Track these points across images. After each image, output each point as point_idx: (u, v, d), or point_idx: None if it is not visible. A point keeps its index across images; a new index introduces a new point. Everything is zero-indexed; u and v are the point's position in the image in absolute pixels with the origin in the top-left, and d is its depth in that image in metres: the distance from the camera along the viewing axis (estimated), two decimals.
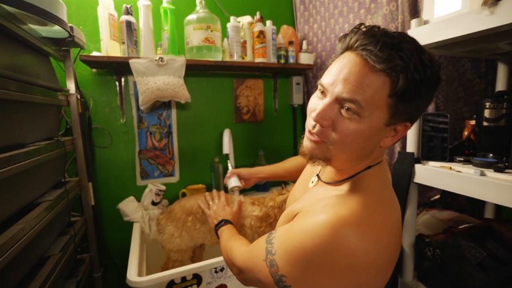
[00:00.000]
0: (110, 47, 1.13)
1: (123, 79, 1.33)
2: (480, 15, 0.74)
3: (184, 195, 1.47)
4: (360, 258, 0.46)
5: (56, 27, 0.81)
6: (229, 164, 1.27)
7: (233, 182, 1.11)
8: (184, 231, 1.11)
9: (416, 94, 0.46)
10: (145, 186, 1.36)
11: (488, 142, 0.98)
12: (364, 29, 0.49)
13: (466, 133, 1.06)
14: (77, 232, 1.04)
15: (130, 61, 1.13)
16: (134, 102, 1.37)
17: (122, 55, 1.17)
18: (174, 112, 1.46)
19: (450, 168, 0.88)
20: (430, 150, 0.97)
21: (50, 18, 0.73)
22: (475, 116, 1.05)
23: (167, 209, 1.18)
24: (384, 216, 0.50)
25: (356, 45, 0.48)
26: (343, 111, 0.48)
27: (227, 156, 1.33)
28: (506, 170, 0.78)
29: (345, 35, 0.52)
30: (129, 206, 1.31)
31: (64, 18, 0.83)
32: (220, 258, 0.97)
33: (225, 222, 0.89)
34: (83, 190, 1.15)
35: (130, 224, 1.27)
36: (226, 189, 1.58)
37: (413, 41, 0.47)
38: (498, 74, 1.20)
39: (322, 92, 0.51)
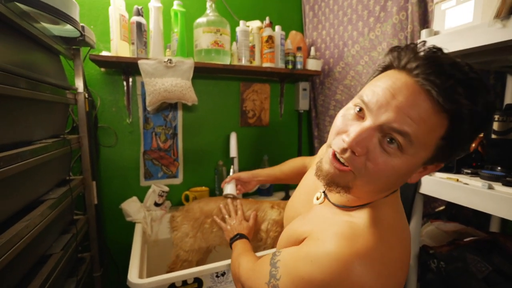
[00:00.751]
0: (119, 47, 1.14)
1: (130, 79, 1.34)
2: (492, 28, 0.73)
3: (187, 197, 1.47)
4: None
5: (68, 26, 0.81)
6: (231, 168, 1.26)
7: (228, 189, 1.12)
8: (199, 232, 1.10)
9: (469, 139, 0.42)
10: (149, 187, 1.36)
11: (496, 155, 0.97)
12: (423, 51, 0.42)
13: (473, 145, 1.05)
14: (79, 231, 1.04)
15: (139, 61, 1.14)
16: (141, 103, 1.38)
17: (131, 55, 1.18)
18: (180, 113, 1.46)
19: (457, 180, 0.87)
20: None
21: (63, 17, 0.74)
22: None
23: (184, 207, 1.16)
24: (398, 252, 0.47)
25: (417, 72, 0.40)
26: (384, 142, 0.41)
27: (232, 159, 1.33)
28: None
29: (399, 49, 0.45)
30: (131, 206, 1.31)
31: (77, 17, 0.84)
32: (222, 263, 0.96)
33: (240, 236, 0.88)
34: (86, 189, 1.15)
35: (132, 225, 1.27)
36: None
37: (480, 77, 0.40)
38: (507, 87, 1.19)
39: (360, 110, 0.44)
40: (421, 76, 0.39)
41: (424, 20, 1.14)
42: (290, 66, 1.48)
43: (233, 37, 1.39)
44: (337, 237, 0.45)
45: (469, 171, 0.91)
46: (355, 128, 0.42)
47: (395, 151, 0.41)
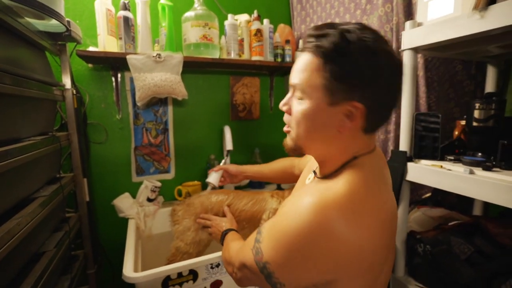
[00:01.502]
0: (107, 42, 1.12)
1: (119, 75, 1.33)
2: (471, 18, 0.76)
3: (179, 192, 1.47)
4: (343, 244, 0.46)
5: (54, 21, 0.80)
6: (222, 160, 1.28)
7: (211, 178, 1.16)
8: (200, 226, 1.10)
9: (345, 65, 0.47)
10: (141, 183, 1.36)
11: (477, 141, 1.01)
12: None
13: (456, 132, 1.09)
14: (71, 228, 1.03)
15: (128, 57, 1.12)
16: (130, 98, 1.37)
17: (119, 50, 1.17)
18: (170, 108, 1.46)
19: (441, 166, 0.91)
20: (422, 149, 1.00)
21: (48, 12, 0.72)
22: (465, 116, 1.08)
23: (185, 201, 1.16)
24: (370, 205, 0.49)
25: (304, 46, 0.54)
26: (293, 97, 0.55)
27: (229, 152, 1.34)
28: (494, 169, 0.81)
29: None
30: (124, 203, 1.31)
31: (62, 12, 0.82)
32: (216, 254, 0.98)
33: (226, 232, 0.89)
34: (77, 186, 1.14)
35: (124, 221, 1.27)
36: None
37: (346, 24, 0.50)
38: (488, 76, 1.24)
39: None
40: (305, 46, 0.52)
41: (409, 12, 1.17)
42: (279, 59, 1.49)
43: (222, 31, 1.39)
44: (311, 192, 0.50)
45: (452, 158, 0.94)
46: None
47: (299, 100, 0.53)
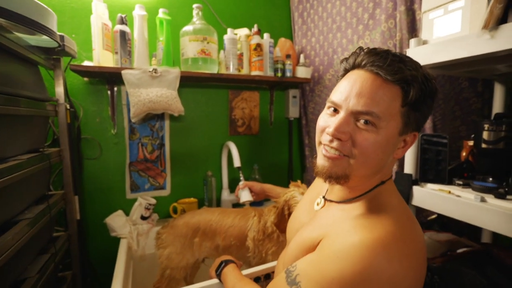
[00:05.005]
0: (102, 57, 1.10)
1: (115, 89, 1.30)
2: (480, 38, 0.72)
3: (175, 209, 1.42)
4: (401, 279, 0.44)
5: (45, 37, 0.77)
6: (241, 176, 1.25)
7: (246, 195, 1.13)
8: (187, 247, 1.08)
9: (424, 103, 0.50)
10: (135, 200, 1.31)
11: (486, 164, 0.96)
12: (363, 51, 0.53)
13: (464, 154, 1.04)
14: (58, 250, 0.98)
15: (123, 72, 1.10)
16: (126, 113, 1.34)
17: (114, 65, 1.14)
18: (167, 123, 1.42)
19: (449, 192, 0.85)
20: (428, 172, 0.95)
21: (38, 28, 0.70)
22: (473, 136, 1.03)
23: (169, 224, 1.15)
24: (415, 232, 0.49)
25: (363, 63, 0.51)
26: (359, 124, 0.49)
27: (239, 169, 1.31)
28: (508, 197, 0.76)
29: (347, 58, 0.55)
30: (116, 221, 1.25)
31: (54, 27, 0.80)
32: (212, 281, 0.92)
33: (225, 263, 0.82)
34: (68, 204, 1.10)
35: (117, 240, 1.21)
36: (219, 202, 1.55)
37: (412, 59, 0.51)
38: (495, 94, 1.19)
39: (334, 110, 0.52)
40: (368, 65, 0.50)
41: (413, 28, 1.13)
42: (279, 74, 1.46)
43: (221, 45, 1.36)
44: (356, 229, 0.47)
45: (460, 182, 0.89)
46: (334, 120, 0.51)
47: (370, 128, 0.48)
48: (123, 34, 1.11)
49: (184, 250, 1.07)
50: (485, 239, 1.22)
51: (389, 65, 0.48)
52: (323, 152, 0.52)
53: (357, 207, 0.53)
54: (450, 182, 0.92)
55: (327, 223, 0.55)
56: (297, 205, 0.79)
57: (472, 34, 0.75)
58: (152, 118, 1.39)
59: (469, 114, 1.25)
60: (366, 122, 0.48)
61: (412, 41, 0.93)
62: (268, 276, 0.95)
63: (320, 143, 0.54)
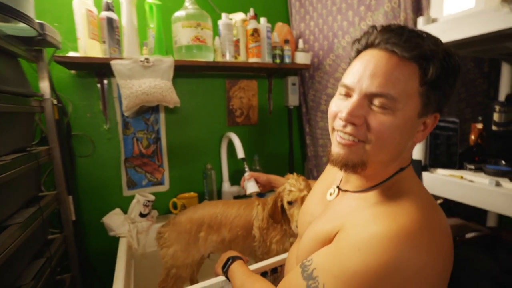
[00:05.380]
0: (88, 46, 1.02)
1: (105, 81, 1.22)
2: (499, 13, 0.67)
3: (174, 205, 1.38)
4: (430, 271, 0.41)
5: (22, 25, 0.70)
6: (245, 167, 1.22)
7: (252, 186, 1.11)
8: (192, 244, 1.05)
9: (445, 81, 0.46)
10: (132, 197, 1.26)
11: (497, 147, 0.93)
12: (379, 28, 0.49)
13: (473, 137, 1.00)
14: (54, 253, 0.94)
15: (112, 62, 1.02)
16: (118, 106, 1.27)
17: (103, 55, 1.07)
18: (162, 116, 1.36)
19: (461, 177, 0.82)
20: (438, 157, 0.92)
21: (11, 13, 0.62)
22: (480, 118, 1.00)
23: (170, 221, 1.11)
24: (440, 219, 0.46)
25: (377, 41, 0.47)
26: (374, 107, 0.46)
27: (243, 160, 1.27)
28: None
29: (359, 38, 0.51)
30: (114, 220, 1.21)
31: (30, 14, 0.72)
32: (218, 279, 0.88)
33: (232, 259, 0.77)
34: (62, 205, 1.04)
35: (117, 239, 1.17)
36: (219, 195, 1.51)
37: (430, 34, 0.47)
38: (502, 75, 1.15)
39: (346, 94, 0.49)
40: (382, 43, 0.46)
41: (418, 8, 1.08)
42: (278, 61, 1.39)
43: (215, 32, 1.29)
44: (377, 218, 0.44)
45: (472, 167, 0.86)
46: (347, 104, 0.47)
47: (386, 110, 0.45)
48: (110, 21, 1.03)
49: (189, 247, 1.04)
50: (491, 223, 1.20)
51: (406, 41, 0.44)
52: (338, 139, 0.49)
53: (376, 196, 0.50)
54: (460, 167, 0.89)
55: (342, 214, 0.52)
56: (307, 198, 0.76)
57: (489, 8, 0.70)
58: (146, 111, 1.32)
59: (475, 96, 1.21)
60: (380, 104, 0.45)
61: (420, 19, 0.88)
62: (275, 270, 0.93)
63: (333, 129, 0.51)
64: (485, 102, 1.21)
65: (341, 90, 0.50)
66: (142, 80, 1.05)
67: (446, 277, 0.44)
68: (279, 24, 1.50)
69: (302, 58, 1.43)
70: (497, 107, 0.91)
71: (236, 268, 0.74)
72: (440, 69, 0.44)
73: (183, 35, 1.15)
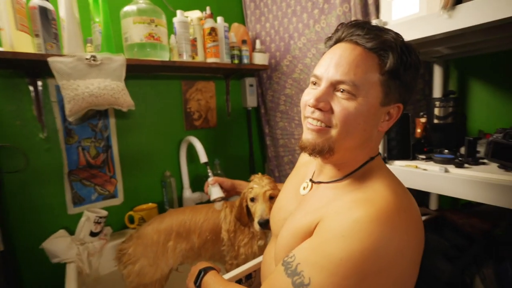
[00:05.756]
0: (16, 40, 0.86)
1: (39, 83, 1.05)
2: (440, 18, 0.76)
3: (131, 218, 1.24)
4: (410, 249, 0.44)
5: None
6: (209, 171, 1.15)
7: (217, 192, 1.07)
8: (161, 255, 0.98)
9: (405, 73, 0.49)
10: (80, 214, 1.10)
11: (438, 138, 1.05)
12: (347, 24, 0.53)
13: (418, 130, 1.12)
14: None
15: (50, 59, 0.88)
16: (58, 111, 1.09)
17: (36, 51, 0.91)
18: (112, 121, 1.22)
19: (416, 166, 0.90)
20: (394, 149, 1.00)
21: None
22: (421, 113, 1.12)
23: (133, 235, 1.02)
24: (411, 201, 0.50)
25: (343, 35, 0.52)
26: (338, 94, 0.49)
27: (206, 164, 1.20)
28: (465, 165, 0.83)
29: (330, 36, 0.56)
30: (58, 244, 1.03)
31: None
32: None
33: (204, 271, 0.72)
34: None
35: (62, 266, 1.00)
36: (180, 203, 1.41)
37: (392, 30, 0.51)
38: (435, 75, 1.31)
39: (315, 84, 0.53)
40: (347, 36, 0.51)
41: (366, 13, 1.16)
42: (236, 61, 1.37)
43: (170, 30, 1.21)
44: (357, 204, 0.46)
45: (423, 157, 0.95)
46: (315, 92, 0.51)
47: (348, 96, 0.48)
48: (44, 11, 0.88)
49: (157, 259, 0.96)
50: (432, 206, 1.36)
51: (367, 33, 0.49)
52: (308, 125, 0.52)
53: (351, 184, 0.52)
54: (413, 158, 0.98)
55: (321, 205, 0.53)
56: (279, 195, 0.75)
57: (432, 14, 0.78)
58: (93, 116, 1.17)
59: (414, 94, 1.36)
60: (343, 90, 0.48)
61: (373, 22, 0.95)
62: (249, 277, 0.90)
63: (304, 117, 0.54)
64: (423, 100, 1.37)
65: (311, 80, 0.54)
66: (89, 80, 0.92)
67: (421, 254, 0.48)
68: (235, 25, 1.48)
69: (260, 58, 1.44)
70: (437, 103, 1.03)
71: (210, 279, 0.69)
72: (399, 60, 0.48)
73: (135, 31, 1.05)
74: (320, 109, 0.50)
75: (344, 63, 0.48)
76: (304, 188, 0.62)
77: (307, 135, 0.52)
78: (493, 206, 1.05)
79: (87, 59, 0.92)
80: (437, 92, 1.30)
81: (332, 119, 0.49)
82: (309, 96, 0.52)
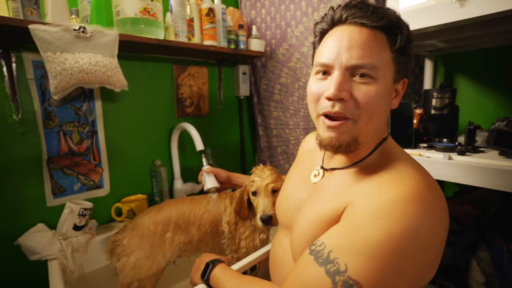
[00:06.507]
0: None
1: (13, 57, 0.91)
2: (450, 7, 0.77)
3: (118, 210, 1.15)
4: (443, 227, 0.43)
5: None
6: (203, 160, 1.10)
7: (211, 181, 1.03)
8: (158, 247, 0.91)
9: (409, 47, 0.50)
10: (61, 206, 0.99)
11: (435, 128, 1.09)
12: (341, 5, 0.51)
13: (415, 121, 1.15)
14: None
15: (31, 26, 0.76)
16: (36, 90, 0.96)
17: (12, 15, 0.78)
18: (98, 104, 1.11)
19: (420, 154, 0.92)
20: (397, 138, 1.01)
21: None
22: (414, 105, 1.15)
23: (128, 225, 0.93)
24: (434, 180, 0.49)
25: (344, 17, 0.49)
26: (356, 79, 0.47)
27: (202, 152, 1.14)
28: (467, 153, 0.86)
29: (319, 21, 0.53)
30: (37, 239, 0.92)
31: None
32: None
33: (212, 263, 0.67)
34: None
35: (43, 264, 0.89)
36: (171, 195, 1.33)
37: (388, 7, 0.51)
38: (426, 69, 1.36)
39: (324, 73, 0.50)
40: (350, 17, 0.48)
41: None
42: (233, 46, 1.31)
43: (166, 7, 1.12)
44: (386, 185, 0.45)
45: (425, 145, 0.98)
46: (330, 81, 0.48)
47: (368, 80, 0.46)
48: None
49: (154, 252, 0.89)
50: None
51: (372, 12, 0.47)
52: (326, 122, 0.49)
53: (372, 166, 0.51)
54: (416, 147, 1.00)
55: (340, 190, 0.51)
56: (284, 185, 0.72)
57: (442, 2, 0.79)
58: (77, 97, 1.05)
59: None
60: (363, 75, 0.46)
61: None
62: (254, 268, 0.87)
63: (318, 115, 0.51)
64: (413, 93, 1.42)
65: (317, 69, 0.51)
66: (78, 54, 0.82)
67: (447, 231, 0.48)
68: (231, 9, 1.42)
69: (256, 45, 1.39)
70: (435, 94, 1.06)
71: (221, 272, 0.65)
72: (405, 35, 0.48)
73: (128, 5, 0.95)
74: (341, 99, 0.47)
75: (357, 45, 0.46)
76: (315, 176, 0.60)
77: (329, 133, 0.49)
78: (482, 193, 1.12)
79: (75, 30, 0.81)
80: (427, 85, 1.35)
81: (355, 110, 0.47)
82: (321, 88, 0.49)
